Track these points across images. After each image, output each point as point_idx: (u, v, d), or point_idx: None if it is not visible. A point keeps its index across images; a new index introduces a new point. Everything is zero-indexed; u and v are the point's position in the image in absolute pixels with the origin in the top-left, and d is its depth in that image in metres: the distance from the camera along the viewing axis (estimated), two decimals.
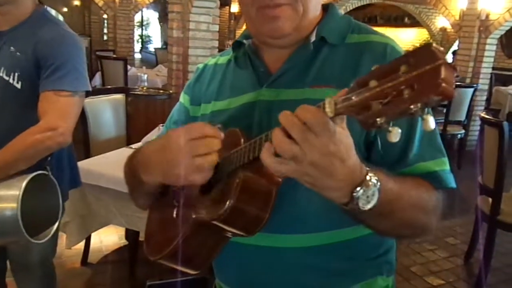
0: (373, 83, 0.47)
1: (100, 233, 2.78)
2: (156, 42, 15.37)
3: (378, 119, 0.47)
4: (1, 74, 1.30)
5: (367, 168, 0.58)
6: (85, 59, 1.39)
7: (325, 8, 0.85)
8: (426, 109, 0.44)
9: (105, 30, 11.29)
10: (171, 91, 4.20)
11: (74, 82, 1.30)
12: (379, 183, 0.58)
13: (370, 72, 0.48)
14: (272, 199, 0.68)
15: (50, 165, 1.33)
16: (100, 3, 7.50)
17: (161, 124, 2.43)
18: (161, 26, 14.10)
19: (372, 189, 0.57)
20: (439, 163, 0.75)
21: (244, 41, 0.86)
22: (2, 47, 1.31)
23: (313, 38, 0.79)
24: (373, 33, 0.80)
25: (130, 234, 2.48)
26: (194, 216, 0.71)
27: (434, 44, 0.44)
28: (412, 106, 0.44)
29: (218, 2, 4.14)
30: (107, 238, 2.95)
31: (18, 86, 1.30)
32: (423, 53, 0.44)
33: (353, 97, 0.49)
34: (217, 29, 4.29)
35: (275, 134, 0.54)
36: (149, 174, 0.75)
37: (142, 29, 15.33)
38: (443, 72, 0.42)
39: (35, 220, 1.22)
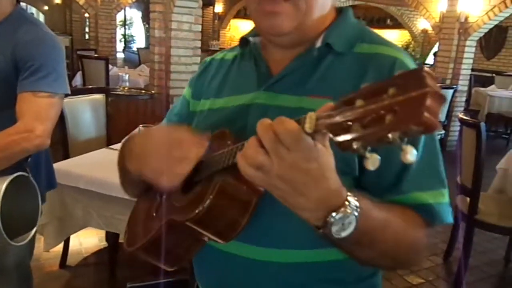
0: (359, 102, 0.44)
1: (79, 235, 2.74)
2: (139, 42, 15.24)
3: (354, 143, 0.44)
4: None
5: (348, 193, 0.55)
6: (65, 61, 1.37)
7: (339, 11, 0.80)
8: (405, 139, 0.40)
9: (87, 29, 11.13)
10: (153, 91, 4.16)
11: (53, 84, 1.28)
12: (358, 211, 0.55)
13: (359, 90, 0.45)
14: (250, 208, 0.67)
15: (29, 167, 1.31)
16: (81, 2, 7.39)
17: (142, 125, 2.41)
18: (144, 26, 13.97)
19: (349, 216, 0.54)
20: (437, 195, 0.70)
21: (250, 38, 0.83)
22: None
23: (318, 44, 0.75)
24: (384, 44, 0.75)
25: (110, 236, 2.45)
26: (169, 215, 0.71)
27: (426, 69, 0.41)
28: (390, 135, 0.40)
29: (201, 2, 4.12)
30: (87, 240, 2.91)
31: None
32: (413, 77, 0.41)
33: (335, 115, 0.46)
34: (200, 29, 4.27)
35: (250, 140, 0.53)
36: (131, 163, 0.75)
37: (125, 29, 15.18)
38: (428, 101, 0.38)
39: (13, 222, 1.19)
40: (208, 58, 0.93)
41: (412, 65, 0.73)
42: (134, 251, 0.76)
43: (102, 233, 2.79)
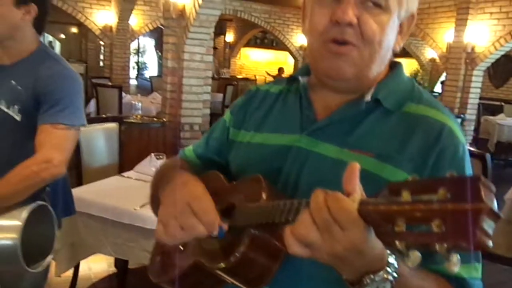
0: (406, 195, 0.42)
1: (88, 261, 2.77)
2: (152, 69, 15.55)
3: (397, 242, 0.42)
4: (1, 106, 1.35)
5: (390, 258, 0.54)
6: (82, 94, 1.45)
7: (391, 65, 0.78)
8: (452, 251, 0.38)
9: (101, 57, 11.44)
10: (164, 119, 4.26)
11: (71, 117, 1.36)
12: (396, 277, 0.53)
13: (406, 181, 0.43)
14: (281, 259, 0.67)
15: (47, 195, 1.37)
16: (97, 32, 7.65)
17: (154, 153, 2.49)
18: (157, 54, 14.28)
19: (386, 281, 0.53)
20: (471, 269, 0.69)
21: (300, 77, 0.81)
22: (4, 80, 1.37)
23: (368, 97, 0.73)
24: (434, 107, 0.73)
25: (119, 262, 2.48)
26: (197, 255, 0.72)
27: (482, 179, 0.38)
28: (437, 246, 0.38)
29: (212, 34, 4.26)
30: (96, 265, 2.94)
31: (18, 118, 1.35)
32: (468, 185, 0.38)
33: (380, 205, 0.45)
34: (211, 60, 4.41)
35: (302, 217, 0.52)
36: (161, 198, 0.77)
37: (138, 56, 15.55)
38: (483, 220, 0.36)
39: (30, 249, 1.25)
40: (253, 88, 0.92)
41: (459, 133, 0.72)
42: (158, 283, 0.77)
43: (111, 259, 2.82)
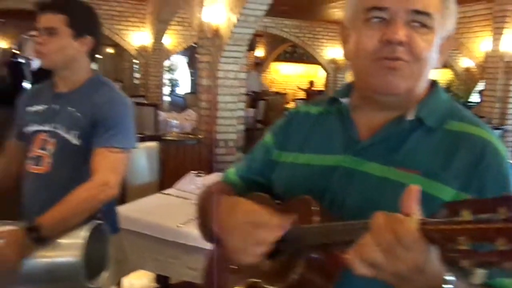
0: (466, 215, 0.44)
1: (130, 276, 2.84)
2: (184, 86, 15.85)
3: (462, 260, 0.43)
4: (61, 132, 1.43)
5: (447, 275, 0.54)
6: (133, 118, 1.53)
7: (431, 83, 0.81)
8: None
9: (135, 75, 11.77)
10: (200, 136, 4.35)
11: (124, 140, 1.43)
12: None
13: (464, 200, 0.45)
14: (336, 278, 0.68)
15: (101, 214, 1.44)
16: (133, 52, 7.91)
17: (193, 171, 2.55)
18: (190, 72, 14.56)
19: None
20: None
21: (341, 99, 0.84)
22: (62, 107, 1.45)
23: (411, 116, 0.75)
24: (475, 125, 0.75)
25: (161, 278, 2.54)
26: (252, 275, 0.74)
27: None
28: (506, 263, 0.40)
29: (246, 52, 4.34)
30: (137, 281, 3.01)
31: (77, 143, 1.43)
32: None
33: (442, 224, 0.46)
34: (244, 77, 4.48)
35: (366, 238, 0.54)
36: (214, 225, 0.80)
37: (171, 74, 15.91)
38: None
39: (88, 266, 1.30)
40: (292, 110, 0.95)
41: (503, 150, 0.73)
42: None
43: (151, 275, 2.88)
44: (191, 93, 10.17)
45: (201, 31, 4.38)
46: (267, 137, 0.94)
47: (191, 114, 6.38)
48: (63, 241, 1.32)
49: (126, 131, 1.46)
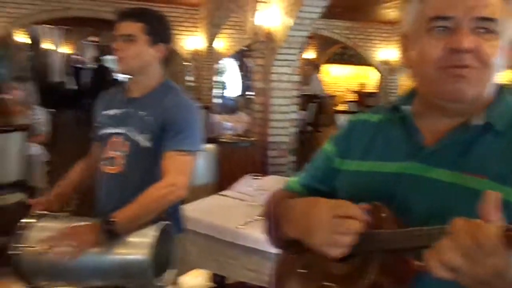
0: None
1: (186, 274, 2.91)
2: (233, 89, 16.07)
3: None
4: (134, 135, 1.50)
5: None
6: (200, 122, 1.57)
7: (497, 88, 0.80)
8: None
9: (187, 78, 12.07)
10: (253, 138, 4.39)
11: (192, 143, 1.49)
12: None
13: None
14: (409, 282, 0.69)
15: (168, 215, 1.49)
16: (186, 56, 8.13)
17: (250, 174, 2.58)
18: (241, 74, 14.74)
19: None
20: None
21: (403, 107, 0.84)
22: (135, 111, 1.53)
23: (479, 121, 0.74)
24: None
25: (217, 278, 2.58)
26: (324, 279, 0.75)
27: None
28: None
29: (299, 54, 4.34)
30: (193, 279, 3.07)
31: (148, 145, 1.49)
32: None
33: None
34: (298, 80, 4.47)
35: (445, 242, 0.55)
36: (288, 228, 0.83)
37: (221, 77, 16.17)
38: None
39: (155, 264, 1.36)
40: (352, 118, 0.96)
41: None
42: None
43: (206, 273, 2.93)
44: (242, 95, 10.28)
45: (254, 35, 4.42)
46: (328, 146, 0.95)
47: (242, 116, 6.46)
48: (133, 239, 1.39)
49: (194, 135, 1.51)
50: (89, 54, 14.55)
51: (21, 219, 1.44)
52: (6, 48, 9.81)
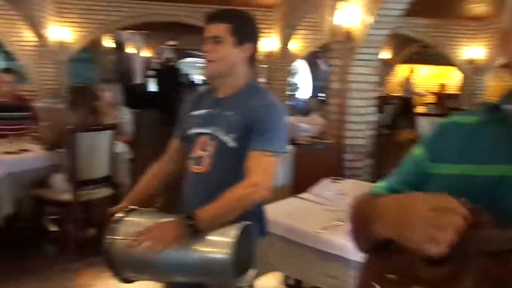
0: None
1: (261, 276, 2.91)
2: (306, 91, 16.00)
3: None
4: (220, 135, 1.52)
5: None
6: (286, 124, 1.56)
7: None
8: None
9: (259, 79, 12.17)
10: (329, 141, 4.29)
11: (277, 144, 1.47)
12: None
13: None
14: None
15: (250, 216, 1.48)
16: (260, 57, 8.21)
17: (330, 178, 2.51)
18: (312, 76, 14.65)
19: None
20: None
21: (504, 106, 0.80)
22: (221, 111, 1.55)
23: None
24: None
25: (292, 280, 2.54)
26: (415, 283, 0.71)
27: None
28: None
29: (379, 54, 4.17)
30: (266, 281, 3.06)
31: (234, 145, 1.50)
32: None
33: None
34: (376, 80, 4.30)
35: None
36: (380, 227, 0.78)
37: (293, 78, 16.17)
38: None
39: (236, 264, 1.36)
40: (443, 121, 0.93)
41: None
42: None
43: (280, 276, 2.91)
44: (313, 97, 10.16)
45: (332, 35, 4.33)
46: (417, 150, 0.92)
47: (315, 118, 6.37)
48: (214, 237, 1.40)
49: (279, 136, 1.50)
50: (168, 57, 15.27)
51: (108, 213, 1.51)
52: (95, 52, 10.61)
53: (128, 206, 1.54)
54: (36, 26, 6.69)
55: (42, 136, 3.55)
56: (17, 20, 6.69)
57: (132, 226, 1.44)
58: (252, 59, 1.57)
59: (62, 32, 7.15)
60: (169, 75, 12.05)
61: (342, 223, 2.03)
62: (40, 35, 6.82)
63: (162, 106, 11.34)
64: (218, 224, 1.39)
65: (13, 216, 3.28)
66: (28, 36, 6.92)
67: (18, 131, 3.86)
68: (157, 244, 1.33)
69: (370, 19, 3.79)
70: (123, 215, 1.48)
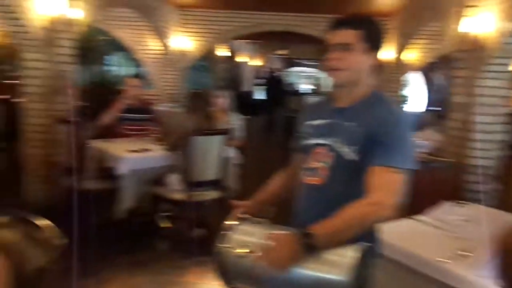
0: None
1: None
2: (417, 104, 15.12)
3: None
4: (339, 146, 1.44)
5: None
6: (412, 138, 1.43)
7: None
8: None
9: None
10: (449, 159, 3.93)
11: (402, 160, 1.35)
12: None
13: None
14: None
15: (366, 236, 1.38)
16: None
17: (453, 201, 2.26)
18: (427, 88, 13.78)
19: None
20: None
21: None
22: (342, 122, 1.47)
23: None
24: None
25: None
26: None
27: None
28: None
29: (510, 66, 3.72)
30: None
31: (354, 157, 1.41)
32: None
33: None
34: (508, 94, 3.83)
35: None
36: None
37: (403, 90, 15.37)
38: None
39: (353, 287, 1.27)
40: None
41: None
42: None
43: None
44: (427, 111, 9.50)
45: (457, 44, 3.97)
46: None
47: (431, 133, 5.91)
48: (331, 257, 1.31)
49: (405, 151, 1.38)
50: (275, 66, 15.59)
51: (218, 215, 1.51)
52: (209, 60, 11.25)
53: (242, 215, 1.53)
54: (161, 36, 7.28)
55: (162, 138, 3.81)
56: (145, 31, 7.35)
57: (245, 235, 1.42)
58: (377, 67, 1.47)
59: (184, 41, 7.69)
60: (275, 84, 12.29)
61: (469, 254, 1.81)
62: (164, 44, 7.41)
63: (267, 114, 11.59)
64: (334, 243, 1.31)
65: (133, 210, 3.57)
66: (153, 45, 7.57)
67: (142, 131, 4.20)
68: (272, 260, 1.29)
69: (508, 26, 3.39)
70: (236, 223, 1.48)
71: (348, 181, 1.43)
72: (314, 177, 1.50)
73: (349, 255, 1.28)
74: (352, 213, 1.31)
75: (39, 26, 4.06)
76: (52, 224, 1.21)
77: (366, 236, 1.38)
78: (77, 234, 1.90)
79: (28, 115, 4.22)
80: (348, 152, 1.42)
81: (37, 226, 1.16)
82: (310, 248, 1.28)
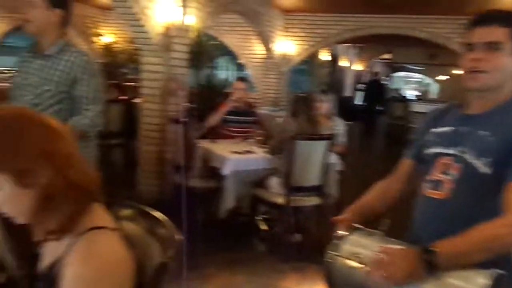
0: None
1: None
2: None
3: None
4: (469, 157, 1.30)
5: None
6: None
7: None
8: None
9: None
10: None
11: None
12: None
13: None
14: None
15: (499, 261, 1.21)
16: None
17: None
18: None
19: None
20: None
21: None
22: (473, 130, 1.32)
23: None
24: None
25: None
26: None
27: None
28: None
29: None
30: None
31: (487, 171, 1.26)
32: None
33: None
34: None
35: None
36: None
37: None
38: None
39: None
40: None
41: None
42: None
43: None
44: None
45: None
46: None
47: None
48: (455, 282, 1.17)
49: None
50: (376, 71, 15.03)
51: (316, 222, 1.44)
52: (311, 64, 11.21)
53: (353, 224, 1.45)
54: (265, 40, 7.43)
55: (265, 141, 3.86)
56: (250, 35, 7.57)
57: (357, 246, 1.35)
58: None
59: (287, 45, 7.76)
60: (376, 89, 11.84)
61: None
62: (268, 48, 7.55)
63: (367, 119, 11.19)
64: (459, 265, 1.18)
65: (234, 211, 3.66)
66: (258, 49, 7.75)
67: (245, 134, 4.31)
68: (388, 275, 1.19)
69: None
70: (348, 232, 1.41)
71: (477, 197, 1.29)
72: (436, 190, 1.36)
73: (478, 282, 1.14)
74: (484, 234, 1.16)
75: (157, 32, 4.39)
76: (169, 220, 1.24)
77: (499, 262, 1.21)
78: (185, 230, 1.98)
79: (144, 115, 4.58)
80: (479, 164, 1.27)
81: (158, 220, 1.20)
82: (432, 266, 1.16)
